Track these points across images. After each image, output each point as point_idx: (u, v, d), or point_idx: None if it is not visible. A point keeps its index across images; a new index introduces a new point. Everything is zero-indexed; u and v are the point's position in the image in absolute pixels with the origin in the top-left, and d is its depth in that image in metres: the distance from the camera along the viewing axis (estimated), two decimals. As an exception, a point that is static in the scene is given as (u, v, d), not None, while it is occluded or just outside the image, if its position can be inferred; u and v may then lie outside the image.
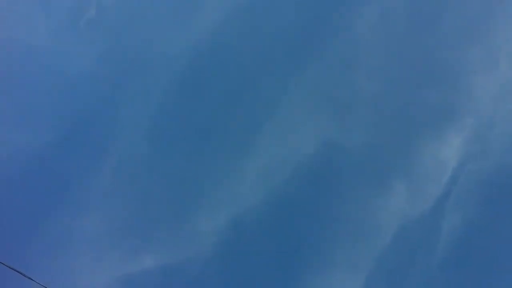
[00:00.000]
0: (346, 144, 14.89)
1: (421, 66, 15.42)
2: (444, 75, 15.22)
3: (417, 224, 14.05)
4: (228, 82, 15.59)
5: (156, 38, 15.84)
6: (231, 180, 14.52)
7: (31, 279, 8.90)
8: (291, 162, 14.79)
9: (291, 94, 15.42)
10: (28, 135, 14.36)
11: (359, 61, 15.66)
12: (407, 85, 15.34)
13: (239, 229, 14.05)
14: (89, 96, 15.17)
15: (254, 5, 16.29)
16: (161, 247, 13.73)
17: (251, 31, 16.02)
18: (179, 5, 16.38)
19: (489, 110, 14.74)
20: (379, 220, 14.15)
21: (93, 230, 13.59)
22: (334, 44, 15.77)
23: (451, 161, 14.44)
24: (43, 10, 15.80)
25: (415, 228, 14.04)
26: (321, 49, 15.76)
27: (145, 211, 14.05)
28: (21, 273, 8.74)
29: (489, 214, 13.84)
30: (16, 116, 14.64)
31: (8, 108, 14.68)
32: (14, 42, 15.39)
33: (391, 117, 15.12)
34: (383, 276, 13.68)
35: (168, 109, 15.19)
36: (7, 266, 8.72)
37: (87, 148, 14.59)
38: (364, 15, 15.90)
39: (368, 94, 15.28)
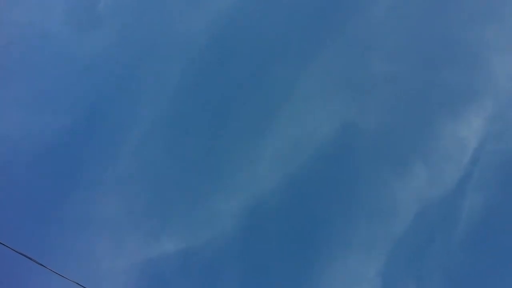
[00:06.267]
0: (364, 126, 14.76)
1: (439, 46, 15.24)
2: (462, 55, 15.06)
3: (436, 205, 13.95)
4: (244, 65, 15.46)
5: (173, 21, 15.71)
6: (249, 162, 14.46)
7: (43, 265, 8.73)
8: (308, 144, 14.69)
9: (308, 76, 15.30)
10: (46, 118, 14.32)
11: (376, 42, 15.50)
12: (425, 65, 15.19)
13: (257, 211, 13.98)
14: (107, 79, 15.08)
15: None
16: (180, 230, 13.70)
17: (268, 13, 15.85)
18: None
19: (509, 90, 14.57)
20: (398, 202, 14.05)
21: (111, 214, 13.52)
22: (351, 26, 15.62)
23: (470, 141, 14.30)
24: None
25: (434, 209, 13.94)
26: (338, 30, 15.62)
27: (163, 194, 13.97)
28: (33, 260, 8.58)
29: (510, 195, 13.71)
30: (34, 100, 14.53)
31: (26, 92, 14.58)
32: (30, 26, 15.24)
33: (409, 98, 14.98)
34: (402, 258, 13.59)
35: (185, 92, 15.07)
36: (19, 253, 8.57)
37: (105, 131, 14.50)
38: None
39: (385, 75, 15.13)
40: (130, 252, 13.32)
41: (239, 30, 15.64)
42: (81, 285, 8.51)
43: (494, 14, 15.09)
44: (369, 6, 15.61)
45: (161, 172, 14.25)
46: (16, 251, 8.45)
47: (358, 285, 13.29)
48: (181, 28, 15.62)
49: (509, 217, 13.57)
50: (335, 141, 14.65)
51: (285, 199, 14.22)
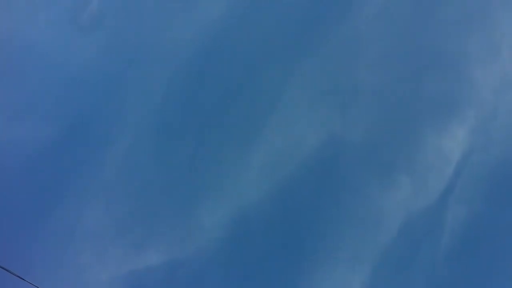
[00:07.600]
0: (349, 137, 14.84)
1: (422, 58, 15.40)
2: (445, 67, 15.21)
3: (421, 217, 14.04)
4: (231, 76, 15.48)
5: (159, 31, 15.72)
6: (234, 174, 14.44)
7: (23, 279, 8.62)
8: (294, 156, 14.72)
9: (294, 87, 15.37)
10: (30, 130, 14.18)
11: (361, 53, 15.61)
12: (409, 77, 15.32)
13: (243, 223, 13.97)
14: (92, 89, 15.02)
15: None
16: (165, 242, 13.60)
17: (253, 25, 15.93)
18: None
19: (491, 102, 14.75)
20: (383, 214, 14.11)
21: (95, 226, 13.41)
22: (335, 37, 15.72)
23: (454, 153, 14.44)
24: (44, 4, 15.57)
25: (419, 221, 14.02)
26: (323, 42, 15.70)
27: (148, 206, 13.90)
28: (12, 273, 8.47)
29: (493, 206, 13.85)
30: (18, 111, 14.42)
31: (10, 103, 14.46)
32: (16, 36, 15.15)
33: (394, 110, 15.09)
34: (387, 269, 13.64)
35: (171, 103, 15.05)
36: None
37: (89, 143, 14.42)
38: (365, 7, 15.85)
39: (370, 87, 15.23)
40: (114, 264, 13.21)
41: (226, 39, 15.70)
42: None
43: (477, 26, 15.30)
44: (354, 17, 15.77)
45: (146, 182, 14.19)
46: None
47: (344, 295, 13.33)
48: (168, 36, 15.64)
49: (493, 228, 13.70)
50: (321, 153, 14.71)
51: (271, 211, 14.23)
